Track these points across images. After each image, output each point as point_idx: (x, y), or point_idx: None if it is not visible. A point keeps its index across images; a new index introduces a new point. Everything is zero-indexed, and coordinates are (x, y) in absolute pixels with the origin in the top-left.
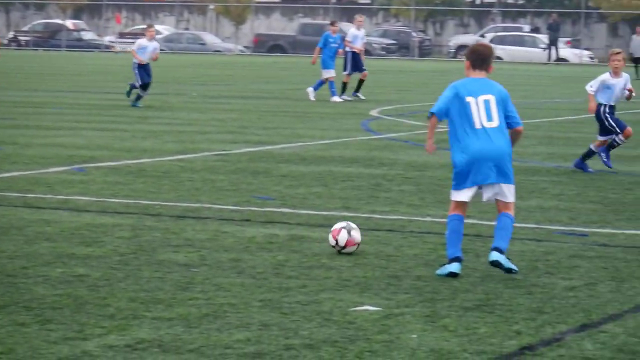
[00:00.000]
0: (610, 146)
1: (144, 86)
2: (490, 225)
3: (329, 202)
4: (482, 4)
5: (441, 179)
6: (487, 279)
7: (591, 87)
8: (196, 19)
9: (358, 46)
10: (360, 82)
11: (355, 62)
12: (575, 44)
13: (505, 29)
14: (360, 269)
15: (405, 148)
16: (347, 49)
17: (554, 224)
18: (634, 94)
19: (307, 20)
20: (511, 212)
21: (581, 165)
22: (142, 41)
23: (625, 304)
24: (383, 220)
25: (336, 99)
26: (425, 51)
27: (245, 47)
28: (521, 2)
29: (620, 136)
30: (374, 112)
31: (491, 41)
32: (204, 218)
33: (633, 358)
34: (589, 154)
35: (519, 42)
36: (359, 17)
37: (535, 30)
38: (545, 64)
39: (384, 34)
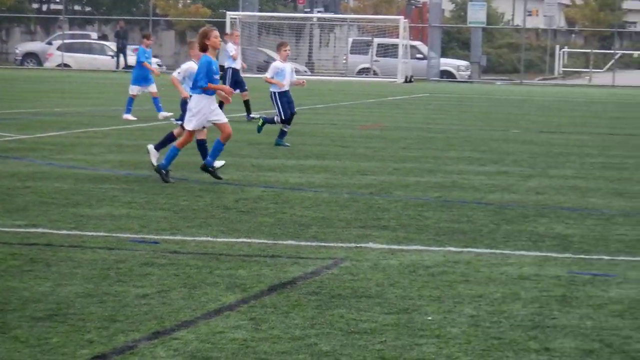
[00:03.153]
0: None
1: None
2: (61, 234)
3: None
4: (49, 11)
5: (10, 187)
6: (58, 288)
7: None
8: None
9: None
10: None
11: (235, 80)
12: None
13: (73, 37)
14: None
15: None
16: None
17: (125, 232)
18: None
19: None
20: None
21: None
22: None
23: (197, 310)
24: None
25: (164, 114)
26: None
27: None
28: (88, 9)
29: None
30: None
31: (58, 49)
32: None
33: None
34: None
35: (87, 49)
36: (235, 32)
37: (104, 37)
38: (114, 71)
39: None
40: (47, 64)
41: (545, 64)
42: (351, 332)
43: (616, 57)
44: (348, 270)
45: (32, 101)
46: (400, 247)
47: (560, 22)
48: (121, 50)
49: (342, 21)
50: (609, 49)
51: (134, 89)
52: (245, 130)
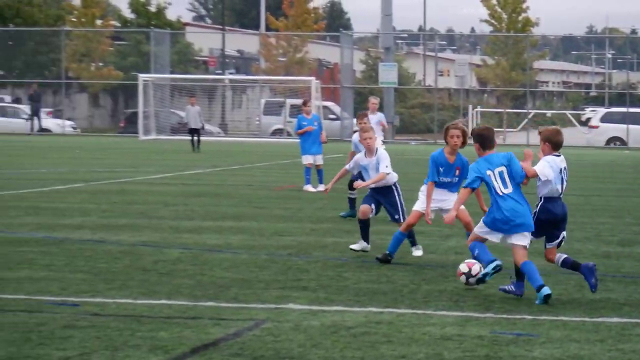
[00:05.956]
0: None
1: None
2: None
3: None
4: None
5: None
6: None
7: None
8: None
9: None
10: None
11: None
12: (57, 114)
13: None
14: None
15: None
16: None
17: (45, 295)
18: None
19: None
20: None
21: None
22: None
23: None
24: None
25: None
26: None
27: None
28: (1, 73)
29: None
30: None
31: None
32: None
33: None
34: None
35: (1, 113)
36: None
37: (17, 101)
38: (29, 134)
39: None
40: None
41: None
42: None
43: (529, 116)
44: (269, 332)
45: None
46: (321, 307)
47: (472, 82)
48: (35, 113)
49: (254, 83)
50: (522, 108)
51: (307, 159)
52: (161, 193)
